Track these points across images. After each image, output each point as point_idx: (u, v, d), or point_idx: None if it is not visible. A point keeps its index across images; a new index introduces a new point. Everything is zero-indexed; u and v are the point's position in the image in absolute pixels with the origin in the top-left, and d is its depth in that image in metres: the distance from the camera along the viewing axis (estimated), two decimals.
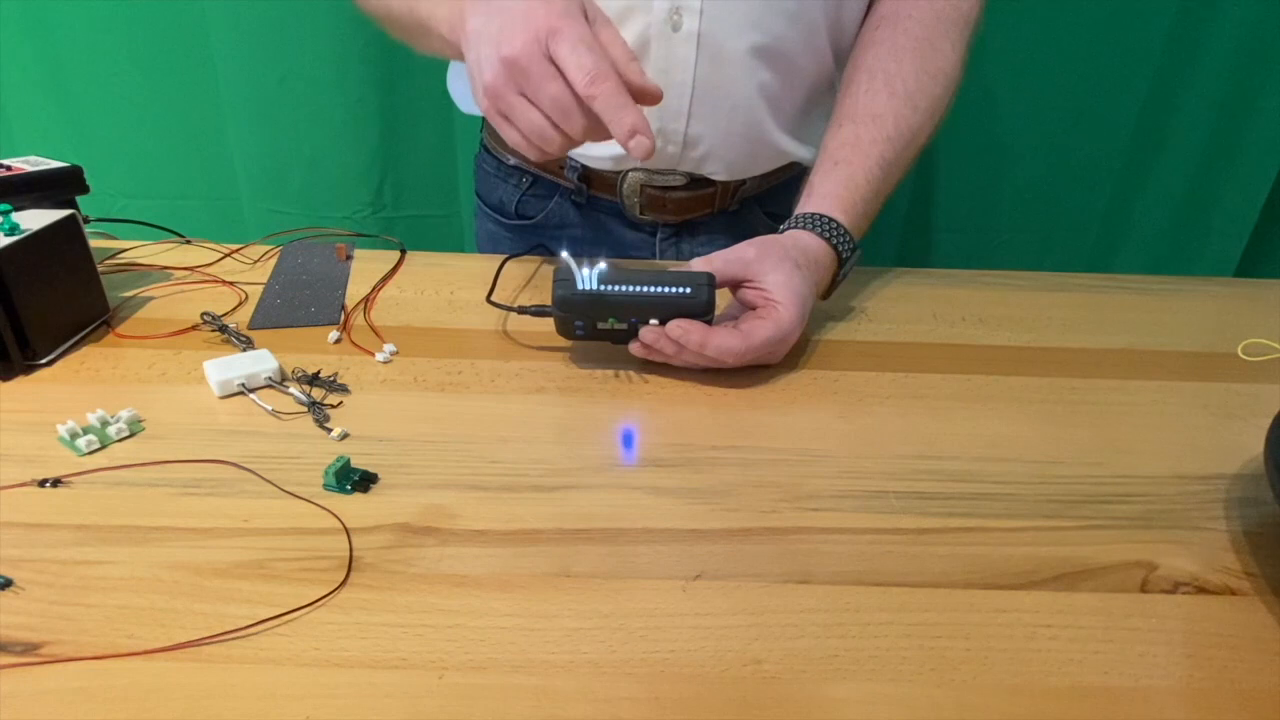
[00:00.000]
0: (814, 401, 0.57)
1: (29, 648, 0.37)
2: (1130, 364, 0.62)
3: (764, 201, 0.84)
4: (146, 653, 0.37)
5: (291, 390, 0.55)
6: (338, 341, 0.61)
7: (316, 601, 0.40)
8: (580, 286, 0.56)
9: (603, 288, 0.56)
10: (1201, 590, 0.43)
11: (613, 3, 0.67)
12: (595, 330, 0.58)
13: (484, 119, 0.81)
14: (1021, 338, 0.65)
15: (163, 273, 0.69)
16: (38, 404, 0.53)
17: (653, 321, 0.56)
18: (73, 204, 0.64)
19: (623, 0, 0.67)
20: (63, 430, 0.49)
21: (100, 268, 0.61)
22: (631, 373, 0.59)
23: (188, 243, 0.73)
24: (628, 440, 0.53)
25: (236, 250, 0.73)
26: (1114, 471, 0.51)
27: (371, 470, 0.48)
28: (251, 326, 0.62)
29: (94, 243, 0.62)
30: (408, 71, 1.16)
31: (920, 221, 1.30)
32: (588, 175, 0.79)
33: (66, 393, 0.54)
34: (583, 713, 0.36)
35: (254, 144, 1.21)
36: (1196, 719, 0.37)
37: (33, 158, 0.66)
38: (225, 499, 0.46)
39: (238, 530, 0.44)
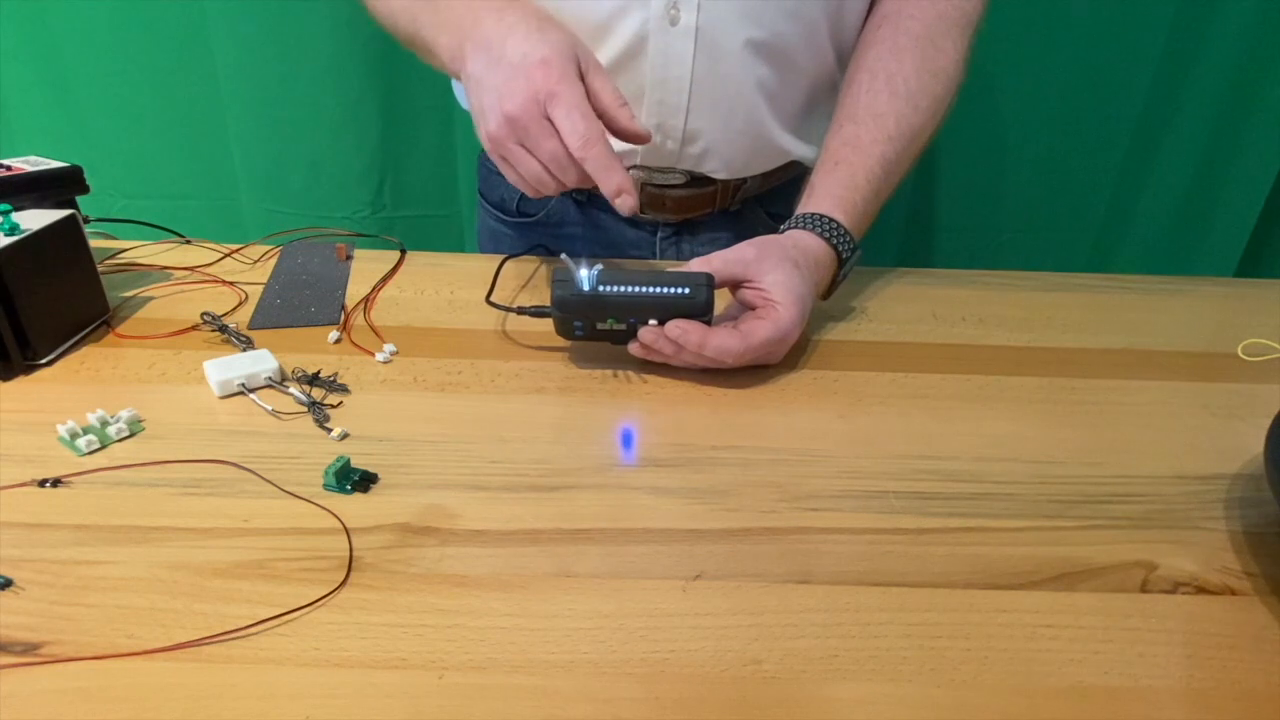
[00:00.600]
0: (814, 401, 0.57)
1: (29, 648, 0.37)
2: (1130, 364, 0.62)
3: (765, 201, 0.84)
4: (146, 653, 0.37)
5: (291, 390, 0.55)
6: (338, 341, 0.61)
7: (316, 601, 0.40)
8: (579, 287, 0.56)
9: (602, 288, 0.56)
10: (1201, 590, 0.43)
11: None
12: (594, 330, 0.58)
13: None
14: (1021, 338, 0.65)
15: (163, 273, 0.69)
16: (38, 404, 0.53)
17: (652, 322, 0.56)
18: (73, 204, 0.64)
19: None
20: (63, 430, 0.49)
21: (100, 268, 0.61)
22: (631, 373, 0.59)
23: (188, 243, 0.73)
24: (627, 440, 0.53)
25: (236, 250, 0.73)
26: (1114, 471, 0.51)
27: (371, 470, 0.48)
28: (251, 326, 0.62)
29: (94, 243, 0.62)
30: (408, 71, 1.16)
31: (921, 221, 1.30)
32: None
33: (66, 393, 0.54)
34: (583, 713, 0.36)
35: (254, 144, 1.21)
36: (1196, 719, 0.37)
37: (33, 158, 0.66)
38: (225, 499, 0.46)
39: (238, 530, 0.44)
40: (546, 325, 0.59)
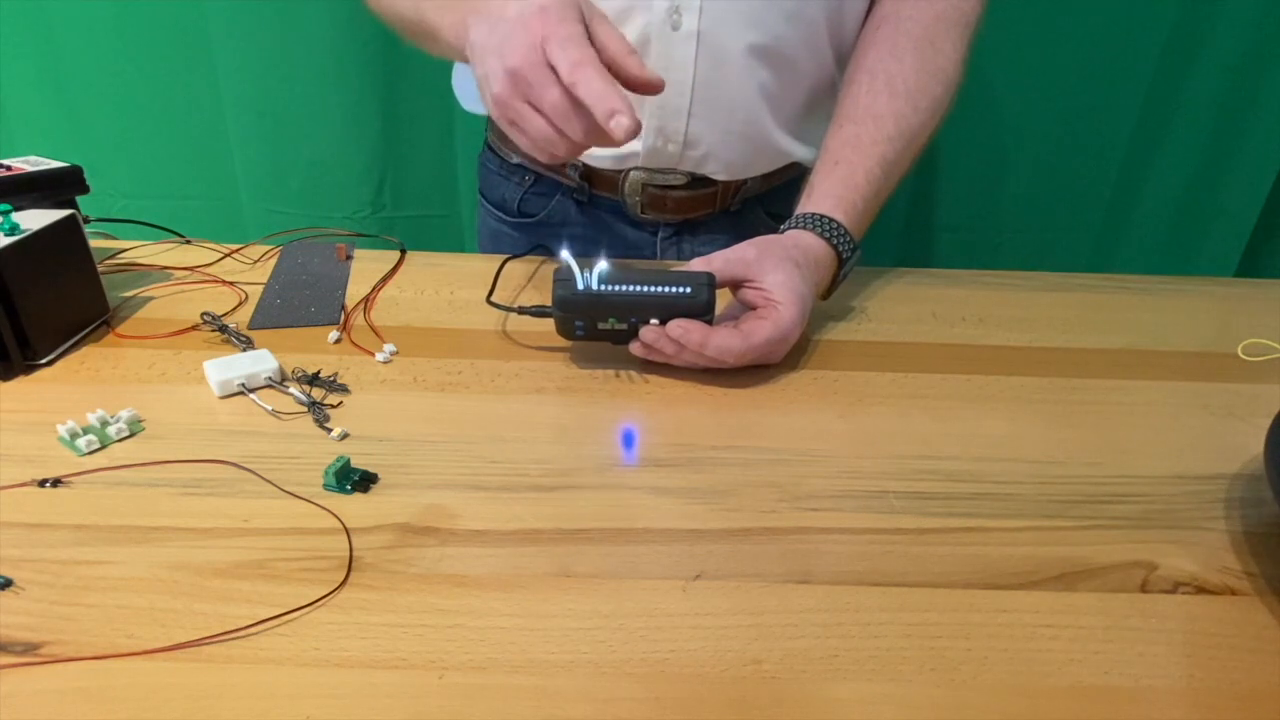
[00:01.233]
0: (814, 401, 0.57)
1: (29, 648, 0.37)
2: (1130, 364, 0.62)
3: (765, 201, 0.84)
4: (146, 653, 0.37)
5: (291, 390, 0.55)
6: (338, 341, 0.61)
7: (316, 601, 0.40)
8: (580, 287, 0.56)
9: (603, 288, 0.56)
10: (1201, 590, 0.43)
11: (613, 2, 0.67)
12: (595, 330, 0.58)
13: (488, 118, 0.81)
14: (1021, 338, 0.65)
15: (163, 273, 0.69)
16: (38, 404, 0.53)
17: (653, 321, 0.56)
18: (73, 204, 0.65)
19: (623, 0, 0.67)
20: (63, 430, 0.49)
21: (100, 268, 0.61)
22: (632, 373, 0.59)
23: (188, 243, 0.73)
24: (628, 440, 0.53)
25: (236, 250, 0.73)
26: (1114, 471, 0.51)
27: (371, 470, 0.48)
28: (251, 326, 0.62)
29: (94, 243, 0.62)
30: (408, 71, 1.16)
31: (921, 221, 1.30)
32: (590, 174, 0.79)
33: (66, 393, 0.54)
34: (583, 713, 0.36)
35: (254, 144, 1.21)
36: (1196, 719, 0.37)
37: (33, 158, 0.66)
38: (225, 499, 0.46)
39: (238, 530, 0.44)
40: (547, 325, 0.59)
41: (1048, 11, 1.13)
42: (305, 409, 0.53)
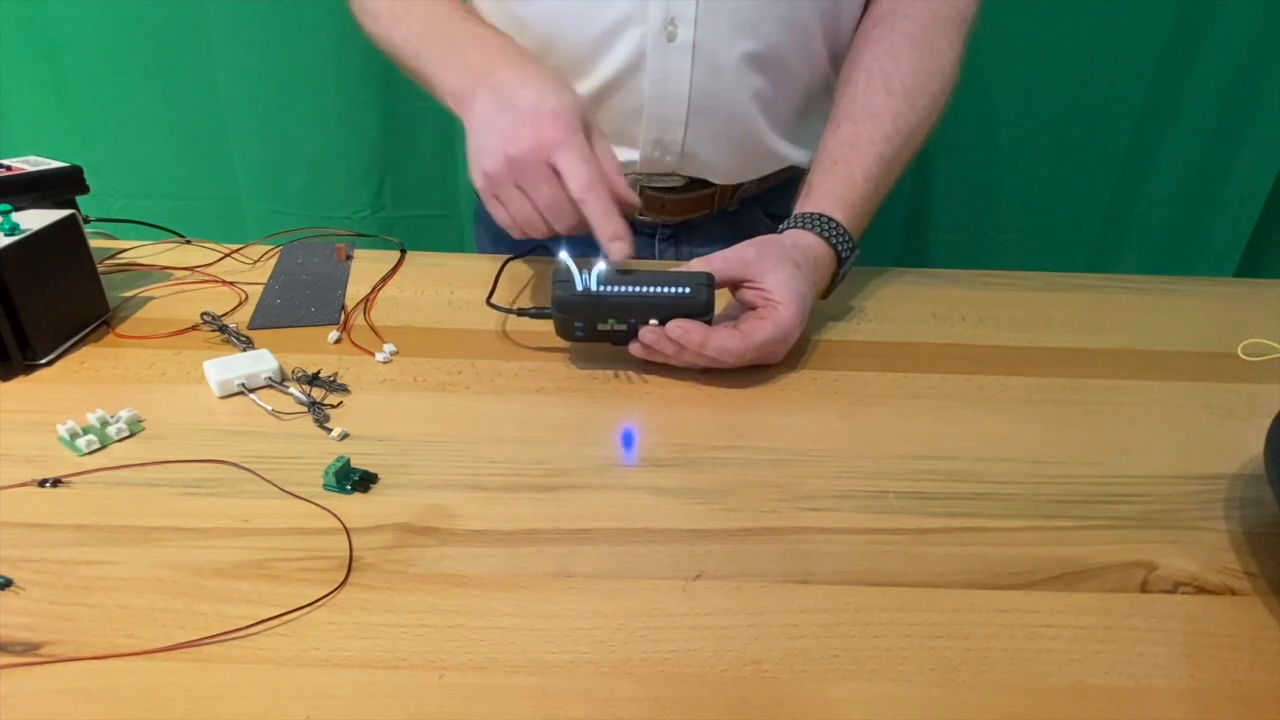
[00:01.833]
0: (814, 401, 0.57)
1: (29, 648, 0.37)
2: (1130, 364, 0.62)
3: (763, 202, 0.84)
4: (146, 653, 0.37)
5: (291, 390, 0.55)
6: (338, 341, 0.61)
7: (316, 601, 0.40)
8: (579, 288, 0.56)
9: (602, 288, 0.56)
10: (1201, 590, 0.43)
11: (609, 15, 0.67)
12: (595, 331, 0.58)
13: None
14: (1021, 338, 0.65)
15: (163, 273, 0.69)
16: (38, 404, 0.53)
17: (652, 322, 0.56)
18: (73, 204, 0.65)
19: (618, 13, 0.67)
20: (63, 430, 0.49)
21: (100, 268, 0.61)
22: (631, 373, 0.59)
23: (188, 243, 0.73)
24: (628, 440, 0.53)
25: (236, 250, 0.73)
26: (1114, 471, 0.51)
27: (371, 470, 0.48)
28: (251, 326, 0.62)
29: (94, 243, 0.62)
30: None
31: (920, 221, 1.30)
32: None
33: (66, 393, 0.54)
34: (583, 713, 0.36)
35: (254, 144, 1.21)
36: (1196, 719, 0.37)
37: (33, 158, 0.66)
38: (225, 499, 0.46)
39: (238, 530, 0.44)
40: (547, 325, 0.59)
41: (1048, 11, 1.13)
42: (305, 409, 0.53)
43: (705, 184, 0.78)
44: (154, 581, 0.41)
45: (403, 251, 0.73)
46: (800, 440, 0.53)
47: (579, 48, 0.70)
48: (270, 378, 0.55)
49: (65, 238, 0.57)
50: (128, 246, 0.72)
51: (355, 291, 0.67)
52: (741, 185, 0.80)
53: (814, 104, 0.77)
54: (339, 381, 0.56)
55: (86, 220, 0.61)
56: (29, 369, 0.56)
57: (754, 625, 0.40)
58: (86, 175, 0.66)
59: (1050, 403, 0.57)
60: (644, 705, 0.36)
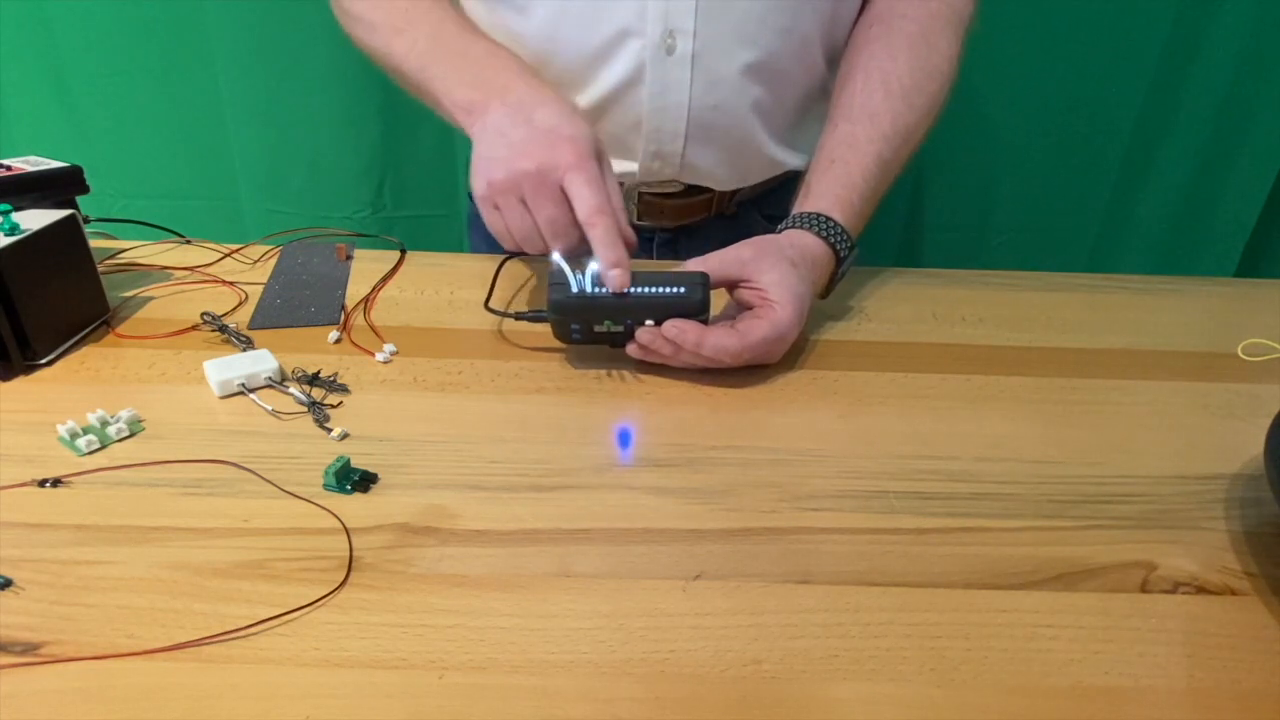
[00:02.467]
0: (814, 401, 0.57)
1: (29, 648, 0.37)
2: (1130, 364, 0.62)
3: (761, 204, 0.84)
4: (146, 653, 0.37)
5: (291, 390, 0.55)
6: (338, 341, 0.61)
7: (316, 601, 0.40)
8: (574, 290, 0.56)
9: (596, 291, 0.56)
10: (1201, 590, 0.43)
11: (607, 29, 0.67)
12: (592, 333, 0.58)
13: None
14: (1021, 338, 0.65)
15: (163, 273, 0.69)
16: (38, 404, 0.53)
17: (648, 322, 0.56)
18: (73, 204, 0.65)
19: (617, 26, 0.67)
20: (63, 430, 0.49)
21: (100, 268, 0.61)
22: (630, 373, 0.59)
23: (188, 243, 0.73)
24: (626, 440, 0.53)
25: (236, 250, 0.73)
26: (1114, 471, 0.51)
27: (371, 470, 0.48)
28: (251, 326, 0.62)
29: (94, 243, 0.62)
30: None
31: (919, 221, 1.30)
32: None
33: (66, 393, 0.54)
34: (583, 713, 0.36)
35: (254, 144, 1.21)
36: (1196, 719, 0.37)
37: (33, 158, 0.66)
38: (225, 499, 0.46)
39: (238, 530, 0.44)
40: (546, 326, 0.59)
41: (1047, 11, 1.13)
42: (305, 409, 0.53)
43: (703, 189, 0.78)
44: (154, 581, 0.41)
45: (403, 251, 0.73)
46: (800, 440, 0.53)
47: (577, 61, 0.70)
48: (270, 378, 0.55)
49: (65, 238, 0.57)
50: (128, 246, 0.72)
51: (355, 291, 0.67)
52: (738, 190, 0.80)
53: (810, 109, 0.77)
54: (339, 381, 0.56)
55: (86, 220, 0.61)
56: (29, 369, 0.56)
57: (754, 625, 0.40)
58: (86, 175, 0.66)
59: (1050, 403, 0.57)
60: (644, 705, 0.36)
